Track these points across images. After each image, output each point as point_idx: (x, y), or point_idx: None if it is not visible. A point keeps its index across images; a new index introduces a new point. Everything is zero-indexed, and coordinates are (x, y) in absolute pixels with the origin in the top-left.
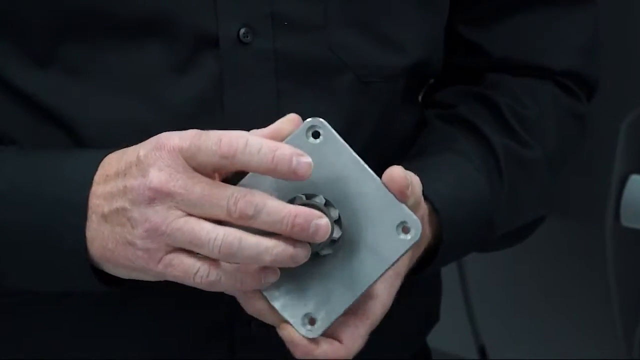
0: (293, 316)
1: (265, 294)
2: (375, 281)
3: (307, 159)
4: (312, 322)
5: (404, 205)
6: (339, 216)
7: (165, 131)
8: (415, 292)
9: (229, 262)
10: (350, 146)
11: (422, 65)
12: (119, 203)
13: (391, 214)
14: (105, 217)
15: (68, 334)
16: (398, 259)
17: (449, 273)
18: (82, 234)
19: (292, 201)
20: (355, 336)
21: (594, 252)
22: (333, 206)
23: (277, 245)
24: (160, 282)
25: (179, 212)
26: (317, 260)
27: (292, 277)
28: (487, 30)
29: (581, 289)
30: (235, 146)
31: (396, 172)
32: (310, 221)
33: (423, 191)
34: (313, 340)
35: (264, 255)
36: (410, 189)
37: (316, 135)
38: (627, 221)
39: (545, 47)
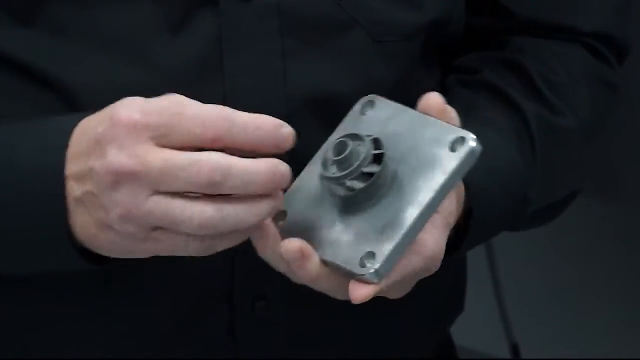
0: (349, 262)
1: (318, 253)
2: (440, 193)
3: (289, 129)
4: (373, 255)
5: (449, 125)
6: (382, 155)
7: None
8: (435, 274)
9: (213, 238)
10: None
11: (441, 23)
12: (87, 187)
13: (439, 139)
14: (78, 201)
15: (54, 328)
16: (457, 169)
17: (476, 261)
18: (61, 210)
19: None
20: (412, 251)
21: None
22: (380, 147)
23: (256, 205)
24: (154, 259)
25: (147, 192)
26: (356, 202)
27: (331, 224)
28: None
29: (627, 281)
30: (220, 129)
31: (433, 97)
32: (276, 174)
33: None
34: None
35: (247, 219)
36: (447, 115)
37: (369, 107)
38: None
39: (574, 6)
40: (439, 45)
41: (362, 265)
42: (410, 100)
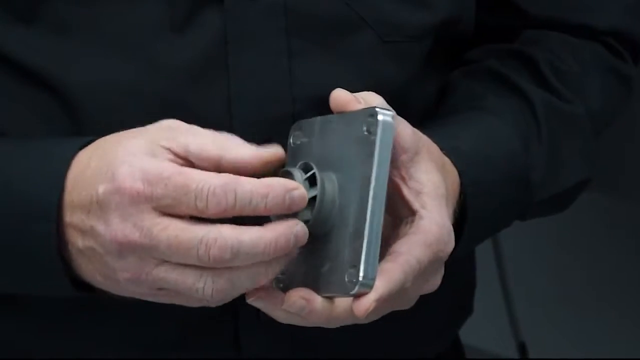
0: (341, 286)
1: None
2: (379, 179)
3: (299, 192)
4: (355, 269)
5: (358, 110)
6: (315, 176)
7: (161, 96)
8: (445, 278)
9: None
10: None
11: (451, 23)
12: (90, 242)
13: (356, 128)
14: (81, 252)
15: (54, 336)
16: (380, 149)
17: (484, 259)
18: (53, 242)
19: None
20: (411, 243)
21: None
22: (311, 169)
23: (271, 266)
24: None
25: (155, 261)
26: (319, 229)
27: (313, 260)
28: None
29: (636, 280)
30: (224, 204)
31: (337, 93)
32: (288, 240)
33: (445, 149)
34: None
35: (260, 279)
36: (360, 100)
37: (300, 134)
38: None
39: (588, 4)
40: (448, 45)
41: (350, 282)
42: (418, 100)
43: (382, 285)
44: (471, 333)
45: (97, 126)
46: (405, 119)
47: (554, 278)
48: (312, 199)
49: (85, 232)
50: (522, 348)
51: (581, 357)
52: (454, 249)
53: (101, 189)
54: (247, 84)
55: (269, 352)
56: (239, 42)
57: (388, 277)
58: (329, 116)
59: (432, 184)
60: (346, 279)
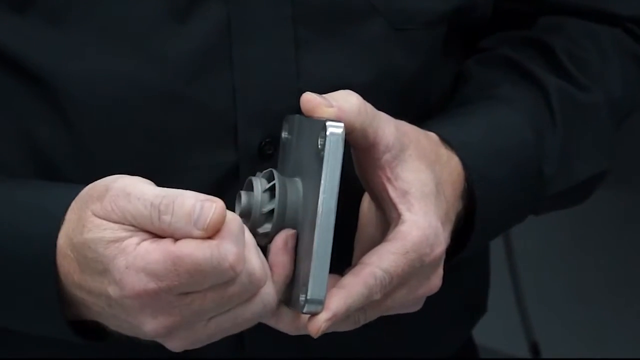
0: (296, 303)
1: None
2: (329, 198)
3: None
4: (305, 287)
5: (317, 119)
6: (275, 188)
7: (162, 88)
8: (459, 277)
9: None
10: (382, 103)
11: (466, 10)
12: (124, 326)
13: (314, 139)
14: (102, 317)
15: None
16: (330, 164)
17: (496, 258)
18: (54, 290)
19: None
20: (384, 252)
21: None
22: (272, 179)
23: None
24: None
25: (204, 322)
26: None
27: None
28: None
29: None
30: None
31: (305, 97)
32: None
33: (450, 142)
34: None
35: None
36: (332, 102)
37: (286, 129)
38: None
39: None
40: (463, 33)
41: (301, 301)
42: (432, 90)
43: (337, 303)
44: (482, 332)
45: (94, 121)
46: (418, 110)
47: (566, 277)
48: (270, 213)
49: (121, 321)
50: (534, 348)
51: (594, 357)
52: (465, 245)
53: (112, 292)
54: (251, 75)
55: (273, 352)
56: (243, 32)
57: (346, 293)
58: (304, 117)
59: (419, 182)
60: (299, 297)
